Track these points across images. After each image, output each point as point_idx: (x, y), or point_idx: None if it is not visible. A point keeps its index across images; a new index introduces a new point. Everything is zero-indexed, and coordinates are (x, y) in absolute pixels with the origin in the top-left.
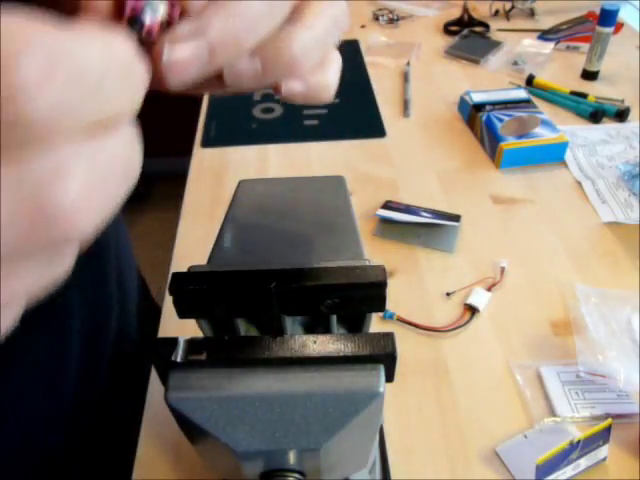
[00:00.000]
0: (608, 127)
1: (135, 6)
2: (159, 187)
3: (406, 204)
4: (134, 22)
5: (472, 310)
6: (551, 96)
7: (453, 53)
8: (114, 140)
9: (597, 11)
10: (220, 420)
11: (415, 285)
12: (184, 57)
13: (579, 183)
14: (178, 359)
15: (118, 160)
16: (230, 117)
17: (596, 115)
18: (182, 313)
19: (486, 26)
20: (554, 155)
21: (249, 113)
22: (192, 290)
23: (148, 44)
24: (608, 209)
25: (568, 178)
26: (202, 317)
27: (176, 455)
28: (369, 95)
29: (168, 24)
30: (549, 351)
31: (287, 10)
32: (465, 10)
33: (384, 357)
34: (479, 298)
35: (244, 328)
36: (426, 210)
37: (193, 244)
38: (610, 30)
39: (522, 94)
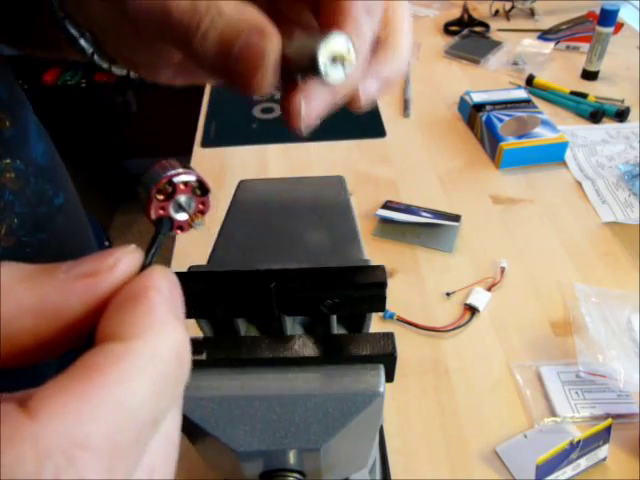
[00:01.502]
0: (608, 127)
1: (163, 207)
2: None
3: (406, 204)
4: (160, 222)
5: (472, 310)
6: (551, 96)
7: (453, 53)
8: None
9: (597, 11)
10: (220, 420)
11: (415, 285)
12: (372, 90)
13: (579, 183)
14: None
15: None
16: (230, 117)
17: (596, 115)
18: None
19: (486, 26)
20: (554, 155)
21: (249, 113)
22: (192, 290)
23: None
24: (608, 209)
25: (568, 178)
26: (202, 317)
27: None
28: None
29: (201, 212)
30: (549, 351)
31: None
32: (465, 10)
33: (384, 357)
34: (479, 298)
35: (244, 328)
36: (426, 210)
37: (193, 244)
38: (610, 30)
39: (522, 94)
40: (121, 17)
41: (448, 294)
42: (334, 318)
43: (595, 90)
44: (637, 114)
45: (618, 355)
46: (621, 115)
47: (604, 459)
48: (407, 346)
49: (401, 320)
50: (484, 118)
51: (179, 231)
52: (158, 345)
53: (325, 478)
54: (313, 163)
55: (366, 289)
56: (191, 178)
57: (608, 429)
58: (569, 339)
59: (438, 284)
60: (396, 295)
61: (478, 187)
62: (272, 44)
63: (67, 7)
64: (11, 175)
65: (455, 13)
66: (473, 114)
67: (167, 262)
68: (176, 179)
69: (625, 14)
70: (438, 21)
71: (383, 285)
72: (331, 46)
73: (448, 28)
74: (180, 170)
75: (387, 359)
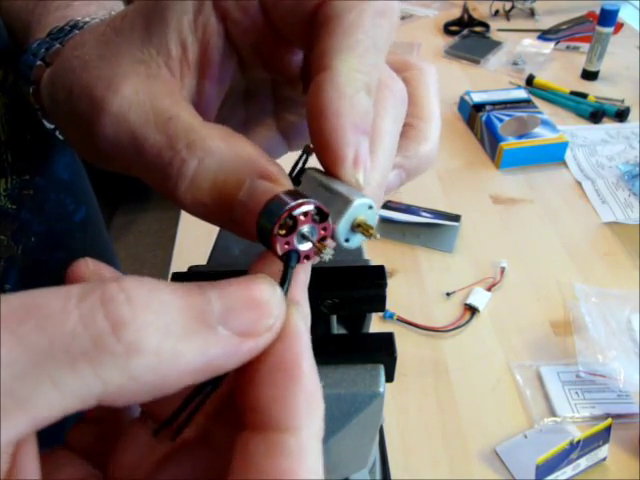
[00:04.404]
0: (608, 127)
1: (287, 242)
2: None
3: (406, 204)
4: (289, 256)
5: (472, 310)
6: (551, 96)
7: (453, 53)
8: None
9: (597, 11)
10: None
11: (415, 285)
12: (394, 183)
13: (579, 183)
14: None
15: None
16: None
17: (596, 115)
18: None
19: (486, 26)
20: (554, 155)
21: None
22: None
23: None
24: (608, 209)
25: (568, 178)
26: None
27: None
28: None
29: (323, 238)
30: (549, 351)
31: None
32: (465, 10)
33: (384, 357)
34: (479, 298)
35: None
36: (426, 210)
37: (193, 244)
38: (610, 30)
39: (522, 94)
40: (89, 144)
41: (448, 294)
42: (334, 318)
43: (595, 90)
44: (637, 114)
45: (618, 355)
46: (621, 115)
47: (604, 459)
48: (407, 346)
49: (401, 320)
50: (484, 118)
51: (306, 260)
52: (318, 428)
53: (325, 478)
54: (312, 163)
55: (366, 289)
56: (310, 207)
57: (608, 429)
58: (569, 339)
59: (438, 284)
60: (396, 295)
61: (478, 187)
62: (282, 188)
63: (45, 109)
64: (29, 192)
65: (455, 13)
66: (473, 114)
67: (167, 262)
68: (296, 212)
69: (625, 14)
70: (438, 21)
71: (383, 285)
72: (352, 216)
73: (448, 28)
74: (298, 202)
75: (387, 359)
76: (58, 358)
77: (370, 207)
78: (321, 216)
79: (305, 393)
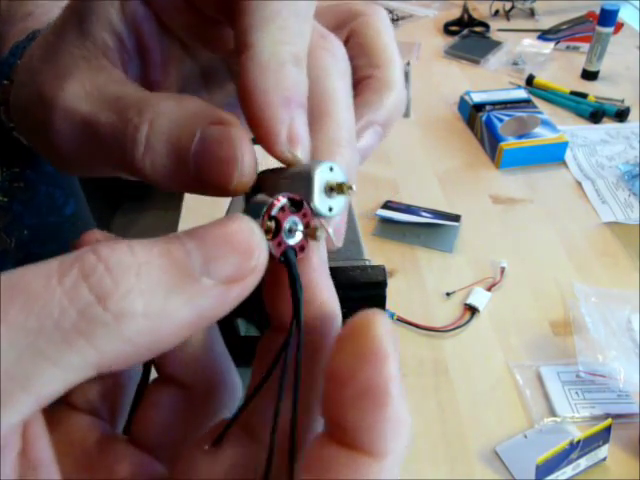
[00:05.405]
0: (608, 127)
1: (279, 242)
2: None
3: (406, 204)
4: (287, 256)
5: (472, 310)
6: (551, 96)
7: (453, 53)
8: None
9: (597, 11)
10: None
11: (415, 285)
12: (367, 143)
13: (579, 183)
14: None
15: None
16: None
17: (596, 115)
18: None
19: (486, 26)
20: (554, 155)
21: None
22: None
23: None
24: (608, 209)
25: (568, 178)
26: None
27: None
28: None
29: (307, 225)
30: (549, 351)
31: None
32: (465, 10)
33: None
34: (479, 298)
35: (244, 328)
36: (426, 210)
37: None
38: (610, 30)
39: (522, 94)
40: (53, 150)
41: (448, 294)
42: None
43: (595, 90)
44: (637, 114)
45: (618, 355)
46: (621, 115)
47: (604, 459)
48: (407, 346)
49: (401, 320)
50: (484, 118)
51: (302, 253)
52: (402, 452)
53: None
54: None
55: (366, 289)
56: (283, 201)
57: (608, 429)
58: (569, 339)
59: (438, 284)
60: (396, 295)
61: (478, 187)
62: (238, 130)
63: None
64: (20, 185)
65: (455, 13)
66: (473, 114)
67: None
68: (273, 212)
69: (625, 14)
70: (438, 21)
71: (383, 285)
72: (320, 186)
73: (448, 28)
74: (271, 201)
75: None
76: (50, 336)
77: (331, 168)
78: (296, 205)
79: (393, 420)
